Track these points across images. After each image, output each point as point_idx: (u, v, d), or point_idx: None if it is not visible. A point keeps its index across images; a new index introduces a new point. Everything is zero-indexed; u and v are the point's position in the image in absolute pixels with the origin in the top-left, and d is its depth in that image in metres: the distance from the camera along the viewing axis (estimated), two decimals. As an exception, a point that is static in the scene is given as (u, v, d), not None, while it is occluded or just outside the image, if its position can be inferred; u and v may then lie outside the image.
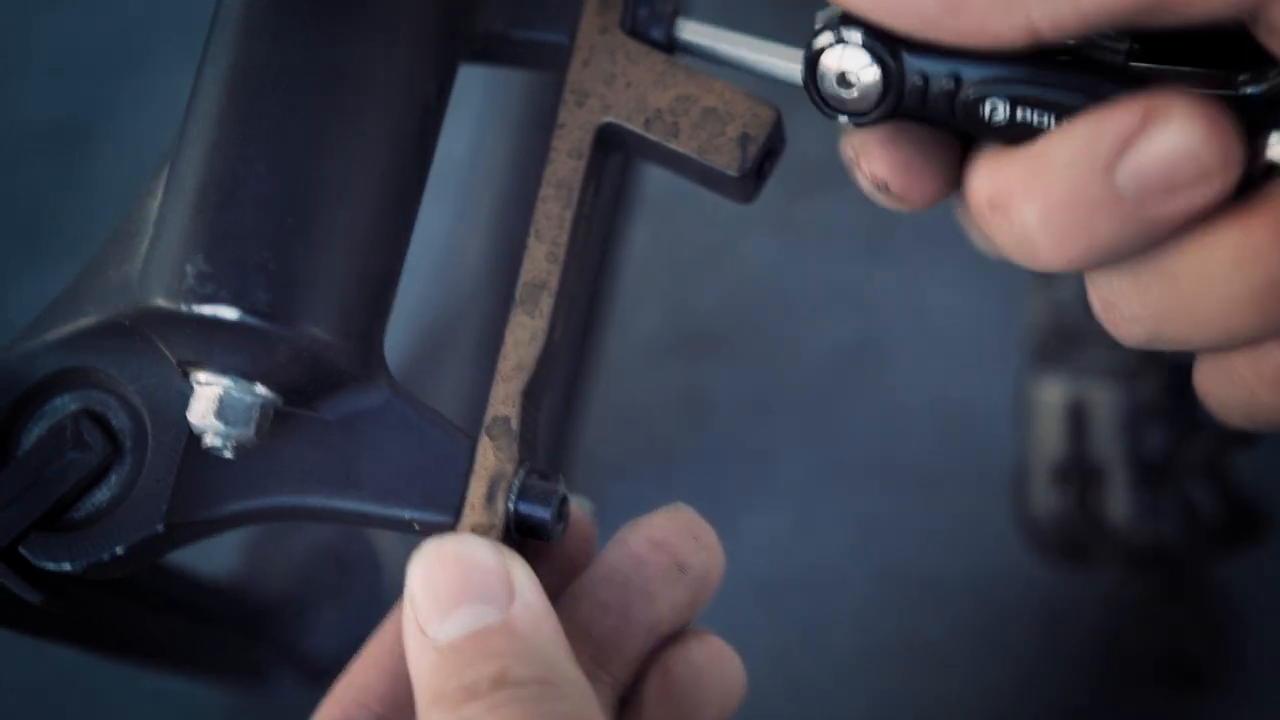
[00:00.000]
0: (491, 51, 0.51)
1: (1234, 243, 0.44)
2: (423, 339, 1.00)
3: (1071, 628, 1.18)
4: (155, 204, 0.48)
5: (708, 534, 0.51)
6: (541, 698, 0.44)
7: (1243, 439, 1.09)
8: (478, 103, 1.02)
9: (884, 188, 0.49)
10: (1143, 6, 0.43)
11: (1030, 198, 0.45)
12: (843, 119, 0.48)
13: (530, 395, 0.49)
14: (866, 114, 0.48)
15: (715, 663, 0.51)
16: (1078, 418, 1.10)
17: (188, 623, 0.68)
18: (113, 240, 0.49)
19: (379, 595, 0.91)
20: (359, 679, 0.51)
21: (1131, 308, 0.47)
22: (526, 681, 0.44)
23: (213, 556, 0.50)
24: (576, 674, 0.45)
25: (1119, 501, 1.09)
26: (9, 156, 1.28)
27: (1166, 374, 1.09)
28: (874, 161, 0.49)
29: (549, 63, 0.51)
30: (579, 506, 0.52)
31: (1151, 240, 0.44)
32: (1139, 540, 1.09)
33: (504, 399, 0.49)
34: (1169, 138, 0.43)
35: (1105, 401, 1.10)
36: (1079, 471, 1.10)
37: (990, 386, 1.21)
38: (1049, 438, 1.11)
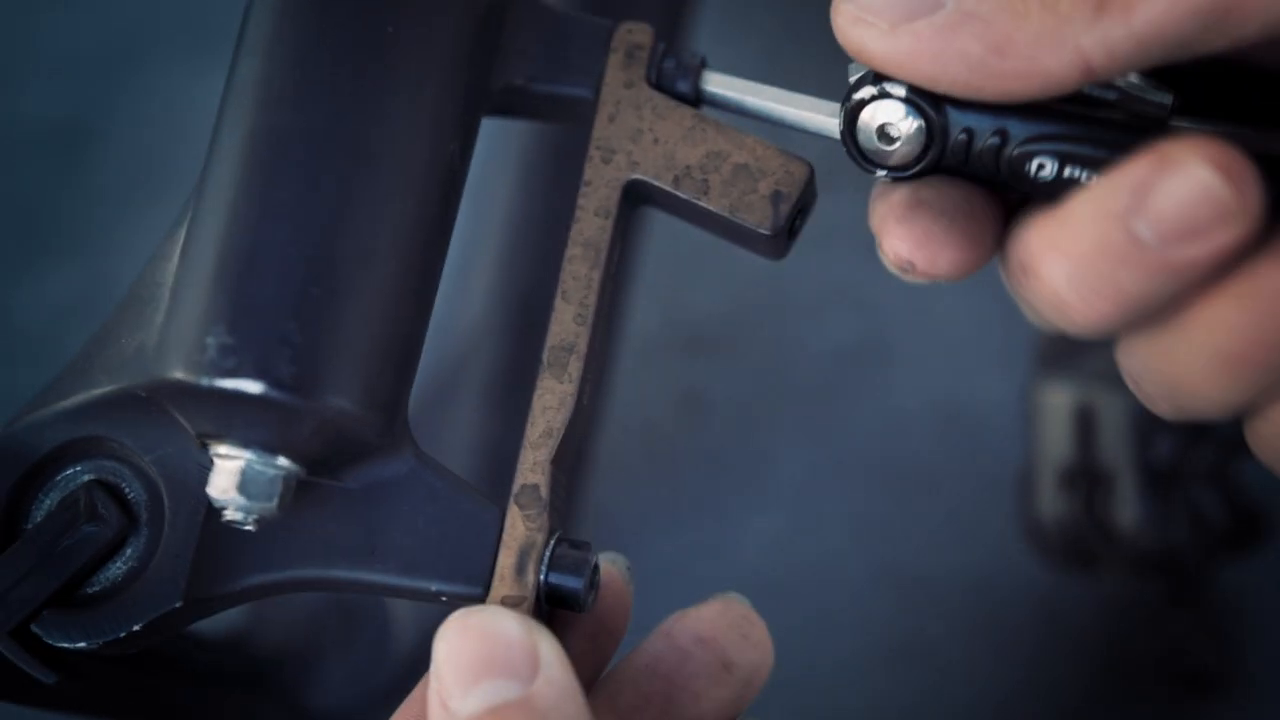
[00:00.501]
0: (514, 105, 0.50)
1: (1252, 290, 0.43)
2: (426, 385, 0.99)
3: (1072, 629, 1.18)
4: (168, 268, 0.47)
5: (758, 630, 0.50)
6: None
7: (1244, 447, 1.09)
8: (480, 146, 1.01)
9: (909, 268, 0.47)
10: (1199, 18, 0.42)
11: (1056, 256, 0.44)
12: (881, 174, 0.47)
13: (559, 462, 0.48)
14: (907, 169, 0.46)
15: None
16: (1085, 422, 1.10)
17: (185, 680, 0.66)
18: (124, 307, 0.48)
19: (386, 648, 0.89)
20: None
21: (1158, 375, 0.46)
22: None
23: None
24: None
25: (1126, 506, 1.09)
26: (9, 156, 1.28)
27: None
28: (894, 240, 0.47)
29: (572, 116, 0.50)
30: (612, 564, 0.50)
31: (1180, 291, 0.43)
32: (1145, 545, 1.09)
33: (533, 466, 0.47)
34: (1183, 181, 0.42)
35: (1113, 406, 1.09)
36: (1086, 476, 1.09)
37: (990, 387, 1.21)
38: (1056, 442, 1.11)
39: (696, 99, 0.50)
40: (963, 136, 0.46)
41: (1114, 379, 1.09)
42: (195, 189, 0.47)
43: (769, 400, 1.24)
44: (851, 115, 0.47)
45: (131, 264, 1.23)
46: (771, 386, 1.24)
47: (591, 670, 0.50)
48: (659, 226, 1.18)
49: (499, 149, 1.01)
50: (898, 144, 0.46)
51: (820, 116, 0.49)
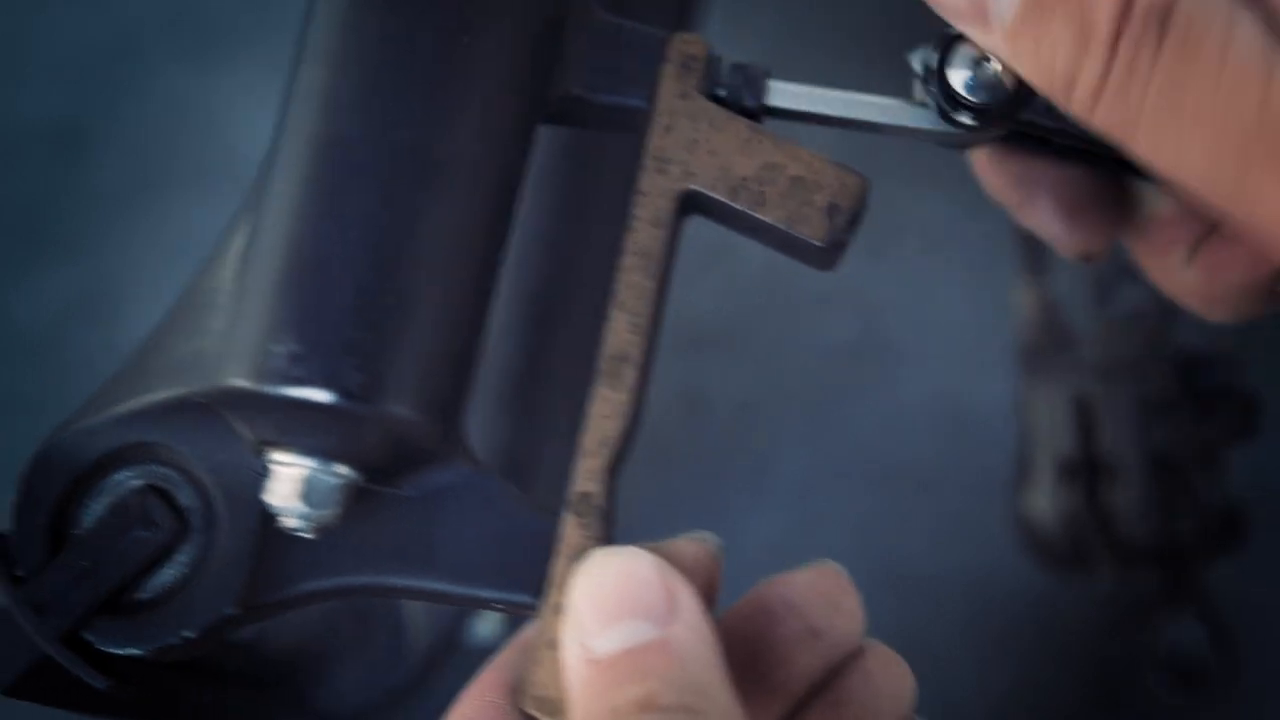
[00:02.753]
0: (569, 114, 0.50)
1: None
2: None
3: (1071, 627, 1.18)
4: (222, 274, 0.47)
5: (849, 599, 0.49)
6: None
7: (1243, 434, 1.10)
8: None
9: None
10: None
11: None
12: (968, 120, 0.49)
13: (613, 471, 0.47)
14: (999, 113, 0.48)
15: (887, 670, 0.50)
16: (1085, 413, 1.10)
17: (198, 680, 0.66)
18: (178, 312, 0.48)
19: (400, 650, 0.89)
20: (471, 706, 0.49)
21: None
22: (672, 708, 0.42)
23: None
24: (730, 702, 0.44)
25: (1124, 501, 1.09)
26: (9, 156, 1.27)
27: (1169, 369, 1.10)
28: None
29: (624, 126, 0.50)
30: (703, 543, 0.49)
31: None
32: (1142, 541, 1.09)
33: (588, 475, 0.47)
34: None
35: (1108, 397, 1.10)
36: (1086, 468, 1.10)
37: (990, 386, 1.21)
38: (1054, 435, 1.11)
39: (760, 110, 0.50)
40: None
41: (1108, 370, 1.10)
42: (253, 196, 0.46)
43: (769, 400, 1.24)
44: (946, 50, 0.49)
45: (132, 264, 1.24)
46: (771, 386, 1.24)
47: None
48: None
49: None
50: (992, 78, 0.48)
51: (891, 103, 0.50)
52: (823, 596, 0.49)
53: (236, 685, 0.74)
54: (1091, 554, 1.11)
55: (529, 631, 0.49)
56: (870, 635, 0.50)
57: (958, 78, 0.49)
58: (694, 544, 0.49)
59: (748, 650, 0.49)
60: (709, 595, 0.50)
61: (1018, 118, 0.49)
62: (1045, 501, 1.11)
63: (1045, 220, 0.55)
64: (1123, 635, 1.15)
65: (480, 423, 0.92)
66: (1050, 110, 0.48)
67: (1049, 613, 1.18)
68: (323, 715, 0.86)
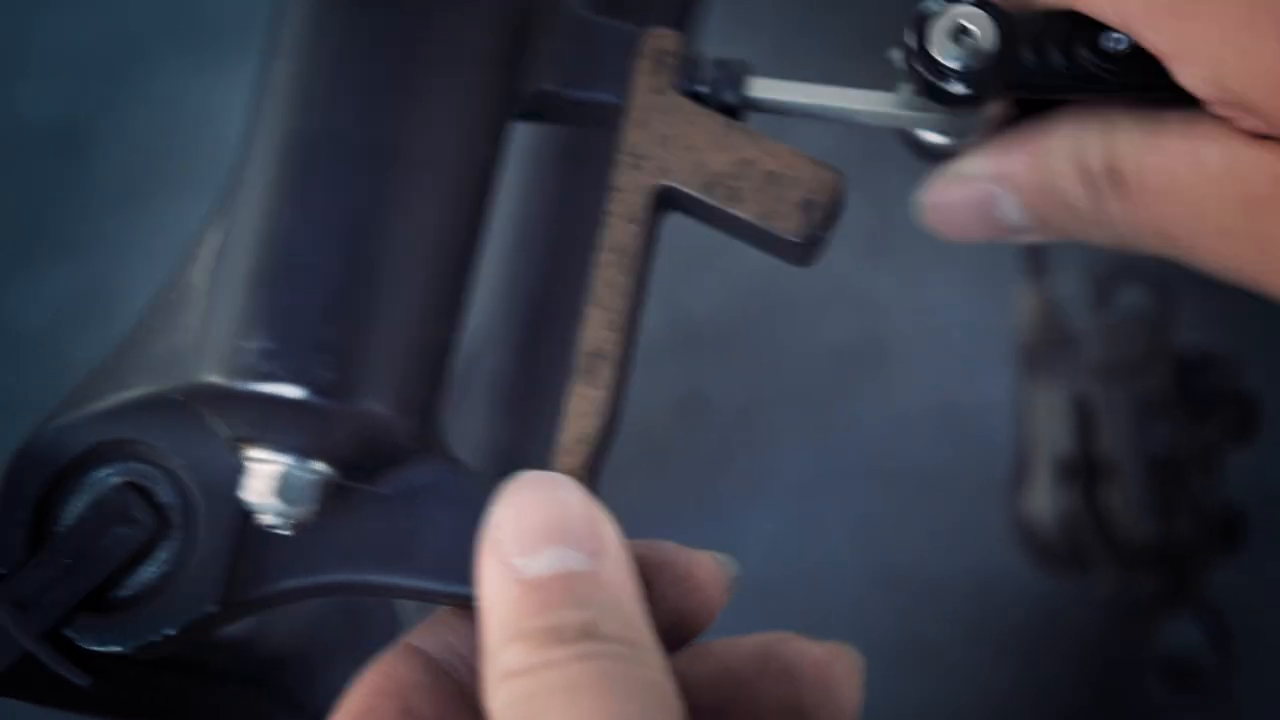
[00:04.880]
0: (542, 110, 0.50)
1: None
2: None
3: (1071, 628, 1.18)
4: (197, 271, 0.47)
5: (847, 696, 0.47)
6: (629, 659, 0.41)
7: (1242, 436, 1.09)
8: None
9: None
10: None
11: None
12: (959, 89, 0.49)
13: (591, 469, 0.47)
14: (983, 78, 0.49)
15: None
16: (1083, 415, 1.10)
17: (190, 678, 0.65)
18: (155, 309, 0.48)
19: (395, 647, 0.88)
20: (440, 621, 0.49)
21: None
22: (615, 639, 0.42)
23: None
24: (656, 644, 0.43)
25: (1123, 502, 1.09)
26: (9, 156, 1.27)
27: (1169, 369, 1.10)
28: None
29: (598, 122, 0.50)
30: (720, 565, 0.48)
31: None
32: (1142, 542, 1.09)
33: (566, 472, 0.47)
34: None
35: (1108, 397, 1.10)
36: (1085, 468, 1.10)
37: (990, 387, 1.21)
38: (1053, 436, 1.11)
39: (740, 105, 0.50)
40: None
41: (1108, 371, 1.10)
42: (228, 192, 0.46)
43: (769, 400, 1.24)
44: (922, 27, 0.49)
45: (131, 264, 1.24)
46: (772, 386, 1.24)
47: None
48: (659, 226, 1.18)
49: (508, 152, 1.01)
50: (975, 44, 0.49)
51: (878, 97, 0.51)
52: (821, 683, 0.47)
53: (229, 684, 0.74)
54: (1090, 555, 1.11)
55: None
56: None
57: (941, 50, 0.49)
58: (712, 562, 0.48)
59: (727, 686, 0.48)
60: (710, 616, 0.49)
61: (1010, 79, 0.50)
62: (1044, 502, 1.11)
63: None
64: (1122, 636, 1.15)
65: (472, 425, 0.92)
66: (1042, 68, 0.49)
67: (1049, 614, 1.18)
68: (316, 714, 0.86)
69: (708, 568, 0.48)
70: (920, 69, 0.49)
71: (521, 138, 1.00)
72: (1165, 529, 1.09)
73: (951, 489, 1.21)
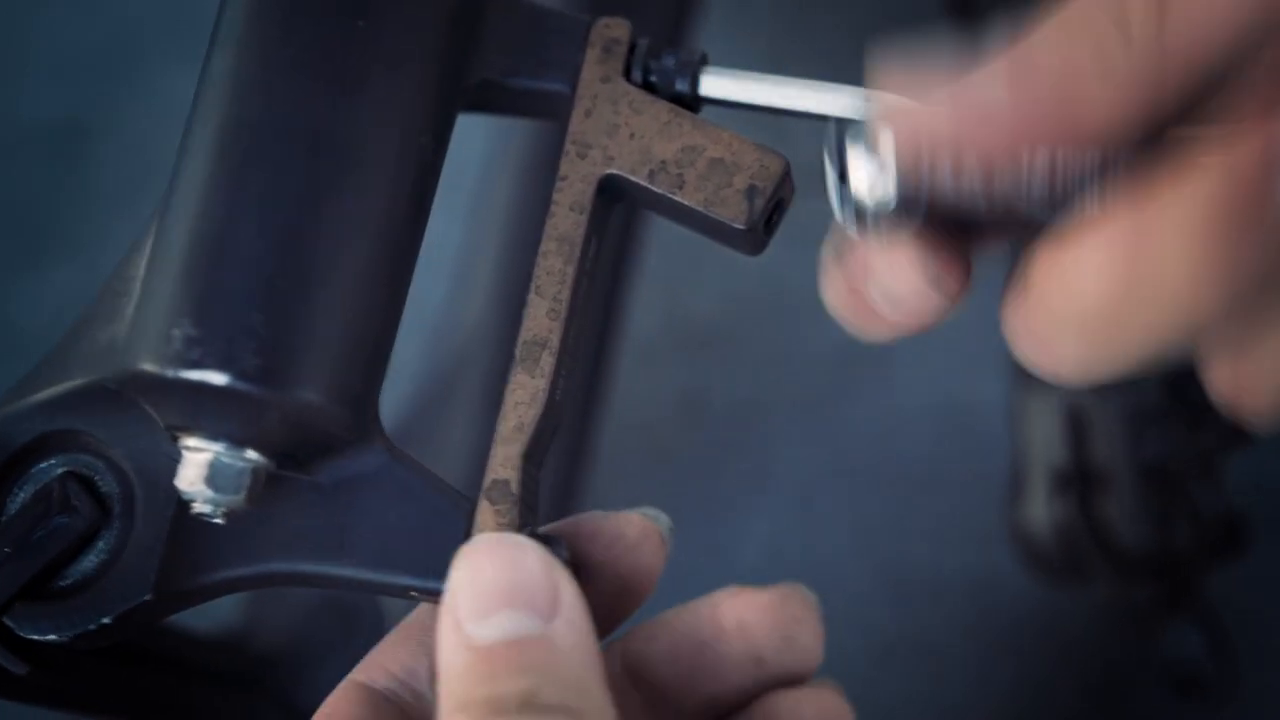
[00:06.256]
0: (490, 101, 0.49)
1: None
2: (420, 396, 0.98)
3: (1071, 630, 1.18)
4: (142, 262, 0.47)
5: (806, 634, 0.48)
6: None
7: (1238, 441, 1.09)
8: (480, 153, 1.01)
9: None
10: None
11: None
12: (874, 206, 0.42)
13: (530, 457, 0.47)
14: (906, 204, 0.42)
15: (822, 712, 0.49)
16: (1077, 424, 1.10)
17: (181, 679, 0.65)
18: (99, 299, 0.48)
19: None
20: (386, 649, 0.49)
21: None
22: (554, 708, 0.42)
23: (208, 607, 0.49)
24: (607, 704, 0.43)
25: (1120, 507, 1.09)
26: (9, 156, 1.28)
27: (1164, 377, 1.09)
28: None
29: (549, 112, 0.50)
30: (654, 521, 0.49)
31: None
32: (1140, 546, 1.09)
33: (504, 461, 0.47)
34: None
35: (1104, 407, 1.09)
36: (1079, 478, 1.09)
37: (990, 388, 1.20)
38: (1047, 446, 1.11)
39: (694, 98, 0.50)
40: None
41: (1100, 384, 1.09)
42: (169, 184, 0.47)
43: (769, 400, 1.24)
44: (839, 147, 0.42)
45: (130, 263, 1.24)
46: (771, 386, 1.24)
47: (604, 627, 0.48)
48: (659, 226, 1.18)
49: (497, 149, 1.01)
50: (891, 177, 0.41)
51: (835, 97, 0.48)
52: (779, 627, 0.48)
53: (220, 684, 0.74)
54: (1088, 565, 1.10)
55: (413, 617, 0.49)
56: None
57: (862, 184, 0.41)
58: (641, 520, 0.49)
59: (686, 653, 0.48)
60: (652, 573, 0.49)
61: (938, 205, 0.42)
62: (1040, 513, 1.11)
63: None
64: (1122, 637, 1.15)
65: (465, 424, 0.92)
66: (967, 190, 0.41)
67: (1049, 615, 1.18)
68: (305, 714, 0.86)
69: (638, 525, 0.48)
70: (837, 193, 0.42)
71: (512, 142, 1.00)
72: (1163, 537, 1.09)
73: (951, 489, 1.20)
